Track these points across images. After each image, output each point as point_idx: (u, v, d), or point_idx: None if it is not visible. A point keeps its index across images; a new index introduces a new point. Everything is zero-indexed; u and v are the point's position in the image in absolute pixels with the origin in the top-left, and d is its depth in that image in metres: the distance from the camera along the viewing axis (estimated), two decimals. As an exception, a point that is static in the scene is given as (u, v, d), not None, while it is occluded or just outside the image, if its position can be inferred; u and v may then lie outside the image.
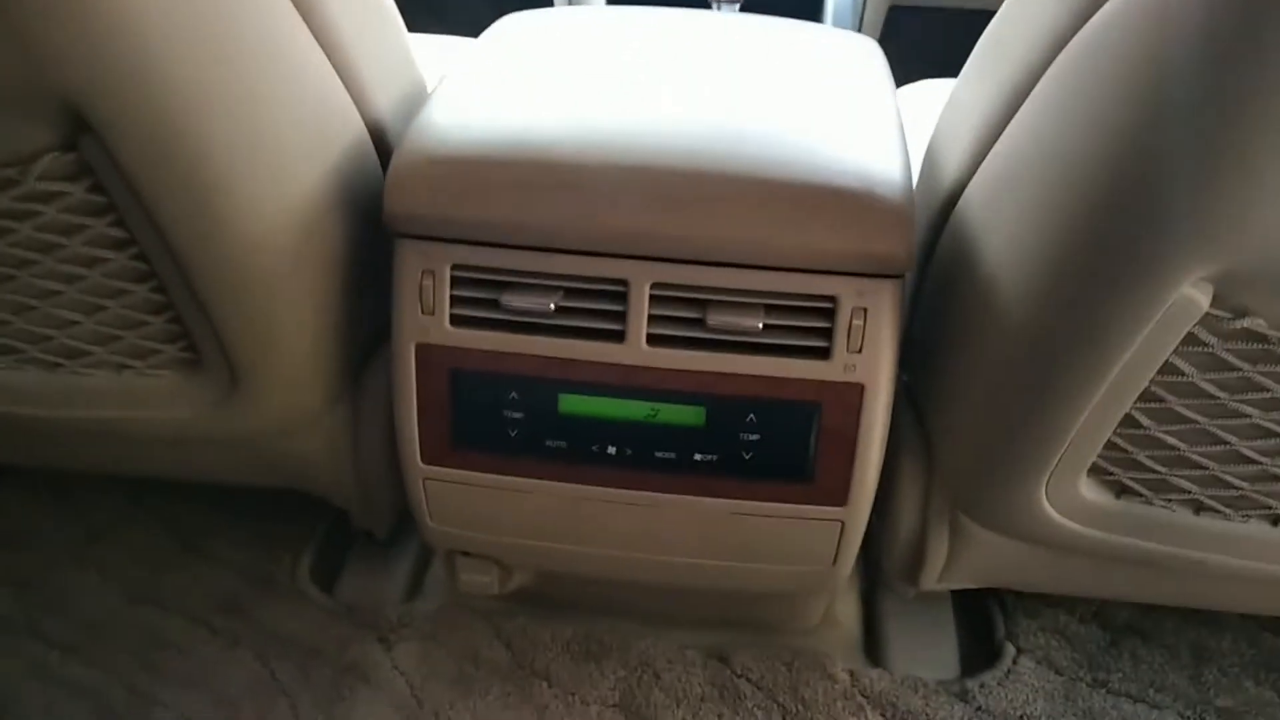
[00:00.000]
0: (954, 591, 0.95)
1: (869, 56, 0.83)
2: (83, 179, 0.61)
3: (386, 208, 0.68)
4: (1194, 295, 0.53)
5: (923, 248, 0.77)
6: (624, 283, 0.67)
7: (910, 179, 0.67)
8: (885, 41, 1.57)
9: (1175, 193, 0.49)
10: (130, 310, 0.69)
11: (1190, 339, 0.56)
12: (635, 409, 0.69)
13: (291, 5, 0.65)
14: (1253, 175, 0.46)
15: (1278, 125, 0.44)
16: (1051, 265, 0.58)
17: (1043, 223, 0.58)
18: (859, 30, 1.51)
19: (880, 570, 0.90)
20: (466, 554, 0.83)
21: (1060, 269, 0.58)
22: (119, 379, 0.74)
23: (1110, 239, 0.53)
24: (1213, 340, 0.57)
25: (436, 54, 1.09)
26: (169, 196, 0.60)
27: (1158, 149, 0.49)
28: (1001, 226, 0.63)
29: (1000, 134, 0.65)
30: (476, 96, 0.73)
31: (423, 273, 0.68)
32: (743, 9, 1.31)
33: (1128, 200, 0.52)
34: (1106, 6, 0.53)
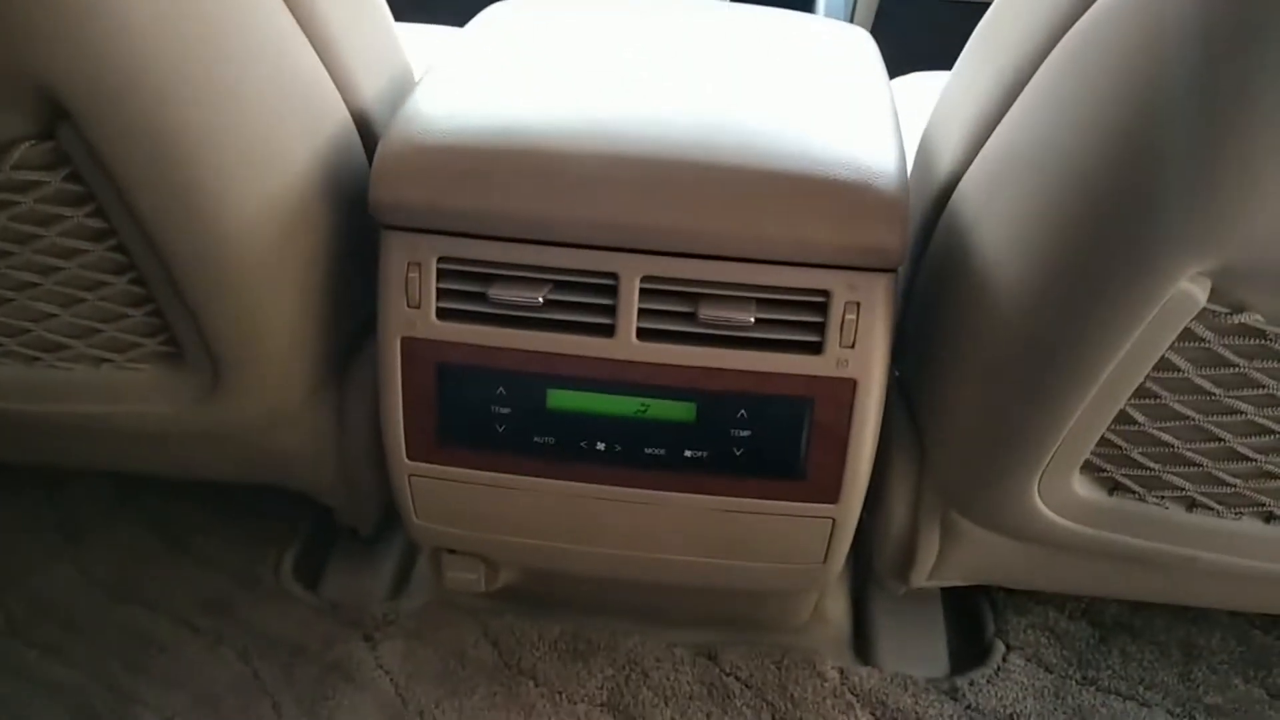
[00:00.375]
0: (943, 589, 0.94)
1: (862, 47, 0.82)
2: (60, 168, 0.60)
3: (372, 197, 0.66)
4: (1191, 290, 0.52)
5: (917, 240, 0.76)
6: (614, 275, 0.66)
7: (905, 171, 0.66)
8: (877, 31, 1.57)
9: (1173, 187, 0.49)
10: (109, 303, 0.68)
11: (1187, 334, 0.56)
12: (625, 404, 0.68)
13: None
14: (1251, 169, 0.45)
15: (1276, 119, 0.44)
16: (1047, 259, 0.57)
17: (1039, 216, 0.58)
18: (851, 19, 1.50)
19: (870, 567, 0.90)
20: (452, 551, 0.82)
21: (1056, 263, 0.57)
22: (99, 373, 0.72)
23: (1107, 233, 0.53)
24: (1209, 335, 0.56)
25: (423, 43, 1.07)
26: (148, 186, 0.59)
27: (1155, 143, 0.48)
28: (997, 220, 0.63)
29: (995, 127, 0.65)
30: (463, 85, 0.72)
31: (409, 264, 0.67)
32: None
33: (1125, 194, 0.51)
34: (1101, 0, 0.53)
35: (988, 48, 0.68)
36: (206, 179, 0.60)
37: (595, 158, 0.65)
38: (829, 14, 1.46)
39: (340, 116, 0.71)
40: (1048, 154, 0.57)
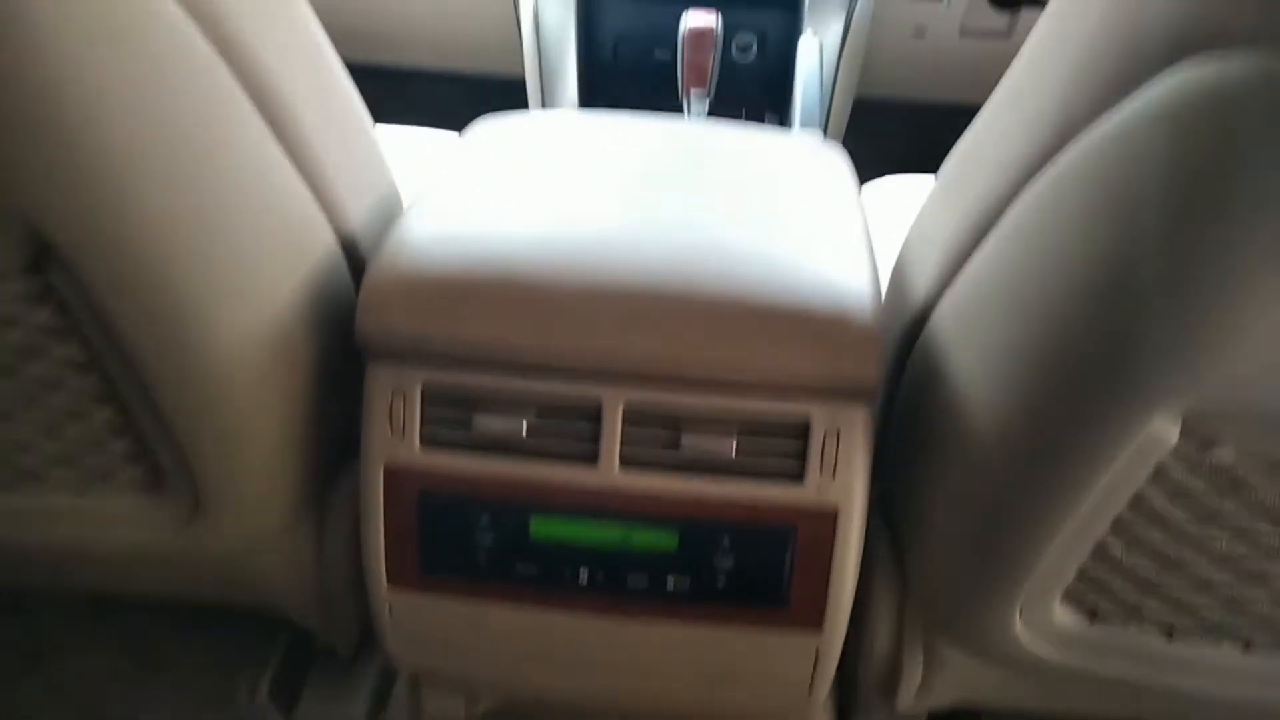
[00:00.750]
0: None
1: (836, 166, 0.85)
2: (46, 302, 0.60)
3: (358, 328, 0.67)
4: (1163, 429, 0.53)
5: (894, 363, 0.77)
6: (597, 404, 0.66)
7: (879, 299, 0.68)
8: (850, 135, 1.62)
9: (1143, 333, 0.50)
10: (91, 432, 0.68)
11: (1160, 471, 0.57)
12: (607, 533, 0.69)
13: (261, 120, 0.65)
14: (1222, 316, 0.47)
15: (1245, 272, 0.45)
16: (1019, 395, 0.59)
17: (1010, 353, 0.59)
18: (826, 124, 1.54)
19: (854, 690, 0.89)
20: (433, 679, 0.81)
21: (1027, 400, 0.58)
22: (79, 501, 0.72)
23: (1077, 374, 0.54)
24: (1182, 472, 0.57)
25: (411, 146, 1.10)
26: (137, 321, 0.59)
27: (1126, 290, 0.50)
28: (970, 352, 0.64)
29: (968, 258, 0.66)
30: (449, 212, 0.73)
31: (393, 393, 0.68)
32: (714, 102, 1.33)
33: (1094, 338, 0.52)
34: (1077, 144, 0.54)
35: (960, 180, 0.70)
36: (194, 310, 0.61)
37: (579, 290, 0.66)
38: (805, 116, 1.49)
39: (327, 243, 0.72)
40: (1019, 292, 0.58)
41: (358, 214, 0.76)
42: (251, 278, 0.64)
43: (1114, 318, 0.51)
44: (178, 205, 0.57)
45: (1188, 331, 0.48)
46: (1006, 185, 0.60)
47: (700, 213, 0.74)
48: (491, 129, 0.87)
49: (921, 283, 0.72)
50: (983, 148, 0.67)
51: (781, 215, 0.75)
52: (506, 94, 1.68)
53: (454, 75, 1.79)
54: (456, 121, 1.37)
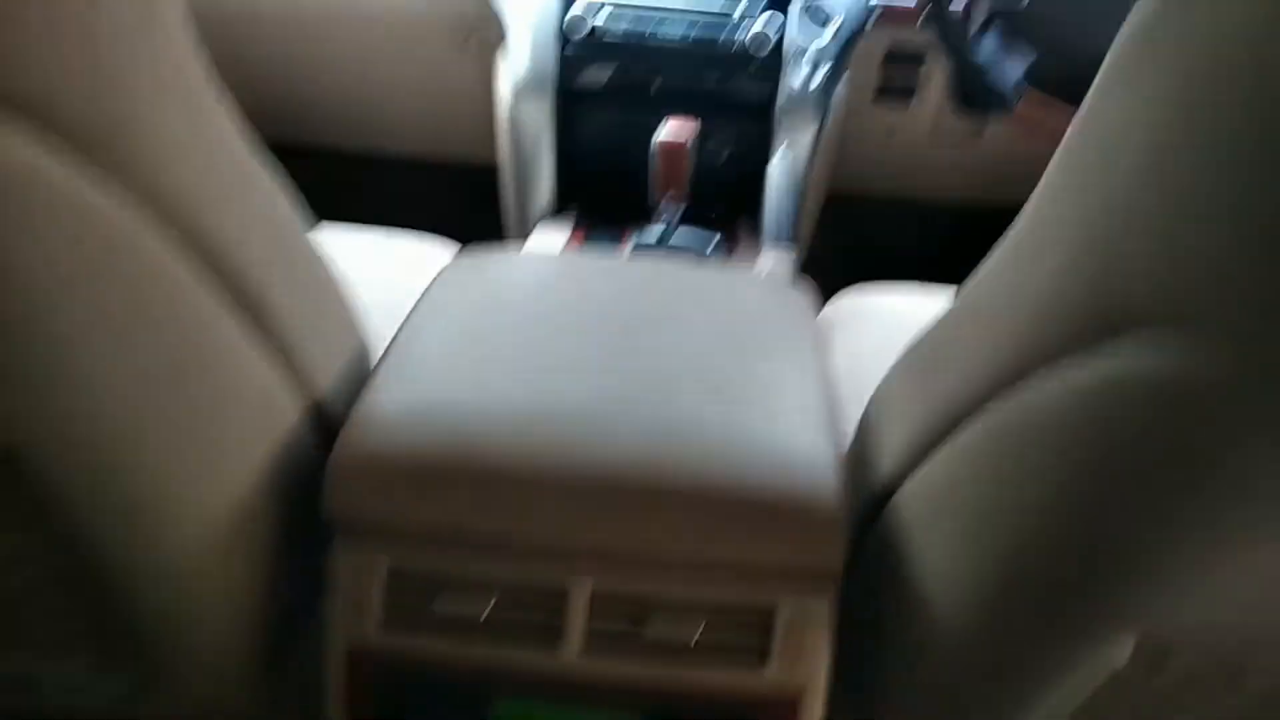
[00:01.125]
0: None
1: (799, 313, 0.85)
2: (6, 497, 0.60)
3: (324, 508, 0.67)
4: (1121, 644, 0.54)
5: (855, 533, 0.77)
6: (562, 589, 0.66)
7: (842, 486, 0.68)
8: (819, 241, 1.63)
9: (1103, 570, 0.51)
10: (44, 611, 0.67)
11: (1118, 674, 0.58)
12: (570, 716, 0.68)
13: (223, 302, 0.64)
14: (1177, 572, 0.48)
15: (1196, 533, 0.46)
16: (980, 604, 0.59)
17: (974, 561, 0.59)
18: (796, 220, 1.55)
19: None
20: None
21: (990, 608, 0.59)
22: (31, 667, 0.71)
23: (1039, 596, 0.55)
24: (1140, 675, 0.58)
25: (396, 255, 1.10)
26: (98, 515, 0.59)
27: (1085, 534, 0.51)
28: (935, 546, 0.64)
29: (934, 447, 0.66)
30: (417, 381, 0.73)
31: (358, 573, 0.67)
32: (690, 206, 1.33)
33: (1057, 568, 0.53)
34: (1038, 384, 0.54)
35: (925, 373, 0.70)
36: (157, 504, 0.60)
37: (545, 475, 0.66)
38: (776, 215, 1.50)
39: (293, 416, 0.72)
40: (982, 508, 0.59)
41: (326, 378, 0.75)
42: (215, 465, 0.64)
43: (1073, 557, 0.52)
44: (142, 406, 0.57)
45: (1144, 577, 0.49)
46: (968, 401, 0.61)
47: (665, 382, 0.74)
48: (461, 275, 0.87)
49: (886, 461, 0.72)
50: (947, 349, 0.67)
51: (745, 382, 0.75)
52: (484, 180, 1.69)
53: (435, 163, 1.80)
54: (435, 207, 1.36)
